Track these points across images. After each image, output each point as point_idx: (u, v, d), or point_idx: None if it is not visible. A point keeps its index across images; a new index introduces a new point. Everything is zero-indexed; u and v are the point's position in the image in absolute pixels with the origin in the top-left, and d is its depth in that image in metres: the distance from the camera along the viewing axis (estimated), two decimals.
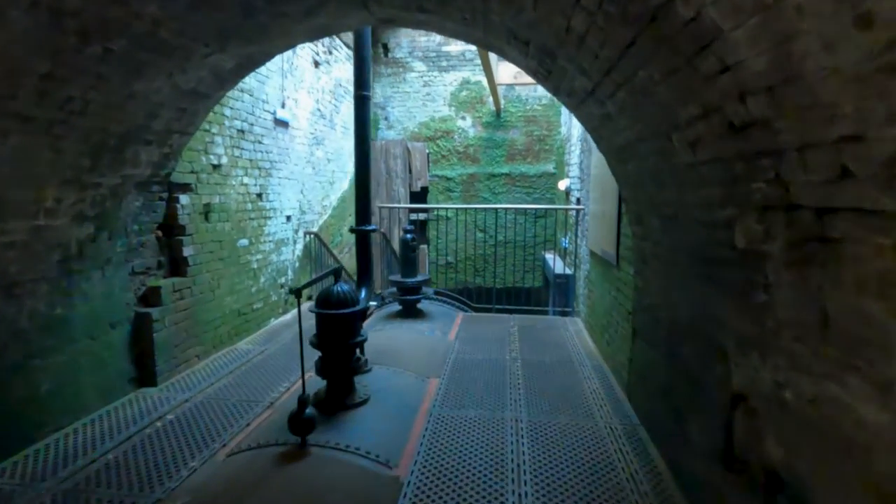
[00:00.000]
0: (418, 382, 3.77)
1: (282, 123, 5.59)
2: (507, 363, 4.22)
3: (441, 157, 9.63)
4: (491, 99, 9.33)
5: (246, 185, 4.93)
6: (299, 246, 6.31)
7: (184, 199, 4.00)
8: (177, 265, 4.05)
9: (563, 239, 7.72)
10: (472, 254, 9.74)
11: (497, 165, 9.47)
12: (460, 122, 9.62)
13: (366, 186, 4.08)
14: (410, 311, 5.54)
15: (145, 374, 3.70)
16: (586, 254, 5.53)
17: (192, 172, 4.10)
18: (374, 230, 4.10)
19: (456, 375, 3.94)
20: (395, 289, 5.55)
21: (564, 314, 6.12)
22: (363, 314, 3.62)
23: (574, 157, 6.88)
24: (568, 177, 7.64)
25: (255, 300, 5.19)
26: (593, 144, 5.13)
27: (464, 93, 9.53)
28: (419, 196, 10.08)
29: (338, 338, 3.12)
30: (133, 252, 3.65)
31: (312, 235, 6.55)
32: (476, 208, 8.57)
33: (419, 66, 9.55)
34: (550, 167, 9.35)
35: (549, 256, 8.81)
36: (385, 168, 9.62)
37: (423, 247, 9.69)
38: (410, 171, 9.60)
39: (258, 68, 4.15)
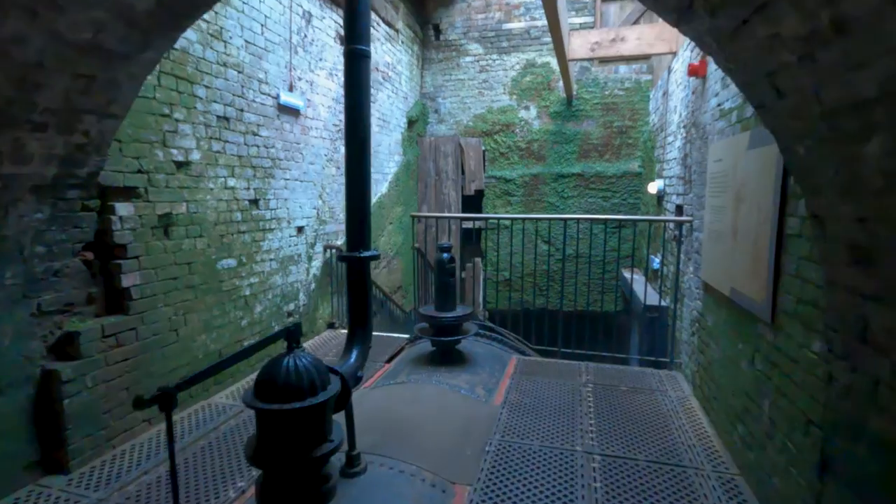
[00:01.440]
0: (434, 498, 2.39)
1: (289, 111, 4.44)
2: (577, 462, 2.73)
3: (499, 154, 8.19)
4: (560, 83, 7.75)
5: (233, 188, 3.81)
6: (316, 263, 5.15)
7: (123, 208, 2.90)
8: (116, 299, 2.96)
9: (654, 257, 6.00)
10: (534, 269, 8.18)
11: (567, 164, 7.87)
12: (523, 113, 8.12)
13: (361, 190, 2.76)
14: (446, 356, 4.17)
15: (51, 457, 2.62)
16: (696, 285, 3.87)
17: (139, 172, 3.00)
18: (374, 257, 2.76)
19: (496, 484, 2.51)
20: (425, 324, 4.20)
21: (657, 365, 4.46)
22: (345, 397, 2.30)
23: (673, 150, 5.18)
24: (661, 177, 5.92)
25: (247, 336, 4.06)
26: (711, 131, 3.49)
27: (527, 78, 8.03)
28: (473, 201, 8.70)
29: (287, 449, 1.82)
30: (38, 284, 2.58)
31: (335, 250, 5.37)
32: (540, 219, 7.03)
33: (475, 48, 8.18)
34: (634, 166, 7.60)
35: (631, 277, 7.07)
36: (434, 168, 8.34)
37: (477, 260, 8.30)
38: (463, 172, 8.25)
39: (205, 14, 2.97)
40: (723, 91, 3.38)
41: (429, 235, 8.46)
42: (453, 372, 3.97)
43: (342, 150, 5.56)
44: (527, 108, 8.10)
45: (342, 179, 5.63)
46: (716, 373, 3.21)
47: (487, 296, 8.55)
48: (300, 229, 4.79)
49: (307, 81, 4.72)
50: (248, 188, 3.97)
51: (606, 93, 7.70)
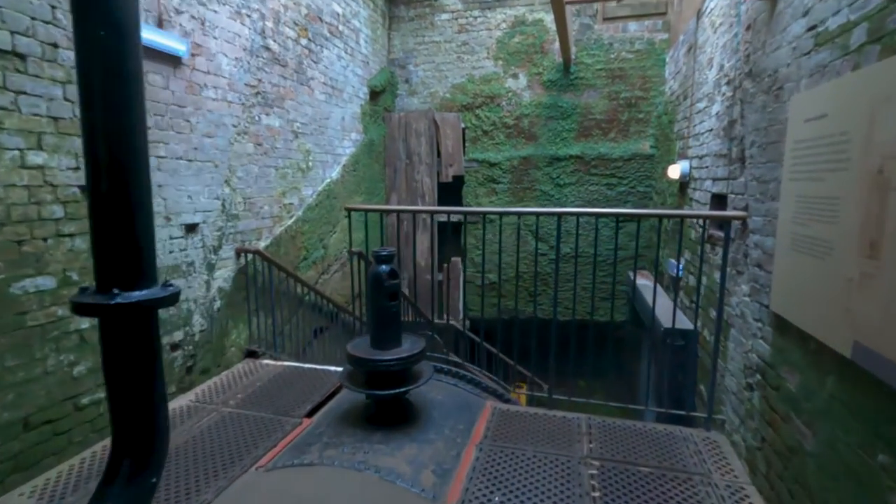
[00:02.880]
0: None
1: (159, 57, 3.05)
2: None
3: (482, 133, 6.81)
4: (556, 45, 6.36)
5: (41, 167, 2.44)
6: (224, 273, 3.79)
7: None
8: None
9: (673, 262, 4.68)
10: (525, 271, 6.87)
11: (563, 144, 6.51)
12: (510, 83, 6.72)
13: (126, 170, 1.35)
14: (387, 414, 2.85)
15: None
16: (756, 316, 2.54)
17: None
18: (157, 302, 1.39)
19: None
20: (355, 369, 2.86)
21: (687, 421, 3.14)
22: None
23: (706, 120, 3.82)
24: (684, 158, 4.56)
25: (89, 388, 2.71)
26: (793, 74, 2.11)
27: (516, 39, 6.61)
28: (451, 189, 7.33)
29: None
30: None
31: (253, 255, 4.02)
32: (530, 213, 5.69)
33: (453, 3, 6.75)
34: (646, 146, 6.24)
35: (643, 283, 5.75)
36: (404, 149, 6.95)
37: (456, 260, 6.95)
38: (439, 155, 6.88)
39: None
40: (820, 2, 2.02)
41: (403, 230, 7.11)
42: (393, 441, 2.64)
43: (265, 120, 4.18)
44: (515, 76, 6.70)
45: (267, 162, 4.26)
46: (811, 474, 1.89)
47: (469, 302, 7.22)
48: (191, 228, 3.43)
49: (195, 18, 3.32)
50: (78, 168, 2.60)
51: (612, 56, 6.30)
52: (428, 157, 6.89)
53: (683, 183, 4.49)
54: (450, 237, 7.91)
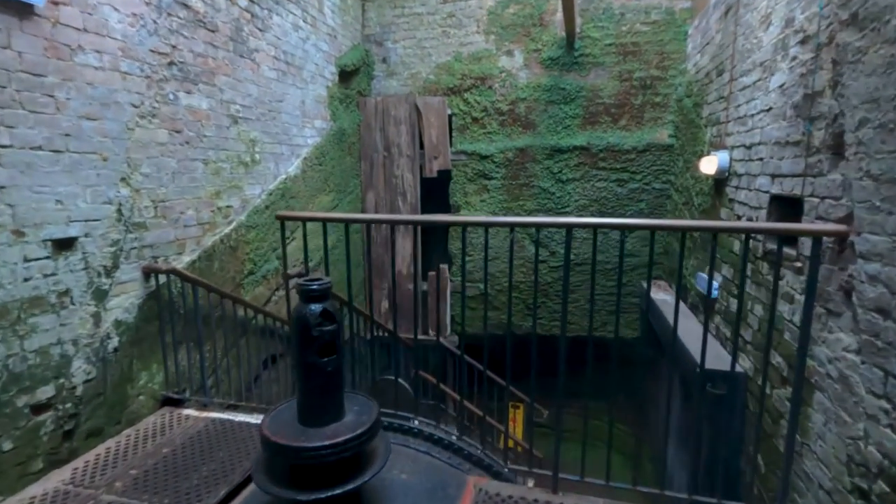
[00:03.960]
0: None
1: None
2: None
3: (472, 120, 5.87)
4: (558, 16, 5.41)
5: None
6: (125, 300, 2.86)
7: None
8: None
9: (703, 276, 3.79)
10: (522, 280, 5.97)
11: (566, 133, 5.58)
12: (504, 61, 5.78)
13: None
14: None
15: None
16: (879, 388, 1.63)
17: None
18: None
19: None
20: (272, 456, 1.94)
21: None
22: None
23: (763, 98, 2.89)
24: (723, 148, 3.65)
25: None
26: None
27: (511, 10, 5.66)
28: (437, 185, 6.41)
29: None
30: None
31: (168, 274, 3.08)
32: (527, 223, 4.82)
33: None
34: (663, 135, 5.31)
35: (661, 297, 4.85)
36: (382, 140, 6.01)
37: (443, 267, 6.05)
38: (422, 146, 5.94)
39: None
40: None
41: (379, 236, 6.20)
42: None
43: (186, 100, 3.23)
44: (510, 53, 5.75)
45: (190, 152, 3.32)
46: None
47: (456, 316, 6.32)
48: (63, 244, 2.49)
49: None
50: None
51: (624, 29, 5.36)
52: (409, 149, 5.95)
53: (720, 180, 3.57)
54: (436, 242, 6.99)
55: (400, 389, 2.77)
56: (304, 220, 2.65)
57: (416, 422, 2.81)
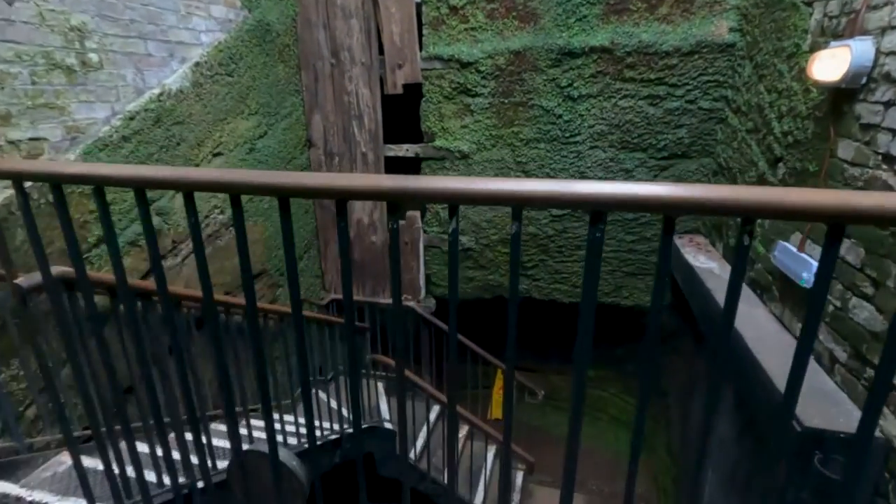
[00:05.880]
0: None
1: None
2: None
3: (449, 10, 4.20)
4: None
5: None
6: None
7: None
8: None
9: (790, 248, 2.44)
10: (516, 230, 4.62)
11: (580, 29, 3.96)
12: None
13: None
14: None
15: None
16: None
17: None
18: None
19: None
20: None
21: None
22: None
23: None
24: (861, 34, 2.11)
25: None
26: None
27: None
28: (404, 105, 4.92)
29: None
30: None
31: None
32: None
33: None
34: (723, 28, 3.69)
35: (701, 263, 3.54)
36: (327, 42, 4.41)
37: (414, 215, 4.72)
38: (382, 51, 4.34)
39: None
40: None
41: (319, 163, 4.75)
42: None
43: None
44: None
45: None
46: None
47: (434, 275, 5.05)
48: None
49: None
50: None
51: None
52: (364, 55, 4.35)
53: (845, 91, 2.11)
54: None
55: (283, 476, 1.51)
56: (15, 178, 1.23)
57: None
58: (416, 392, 3.81)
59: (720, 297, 2.88)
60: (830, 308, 2.08)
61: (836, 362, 2.03)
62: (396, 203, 0.94)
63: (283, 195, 0.97)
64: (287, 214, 1.00)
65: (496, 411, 6.32)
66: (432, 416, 4.60)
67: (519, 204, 0.88)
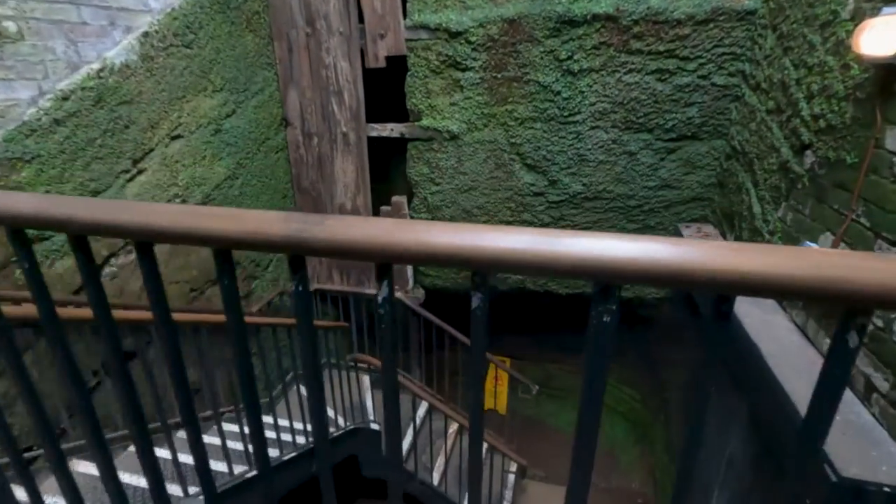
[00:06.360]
0: None
1: None
2: None
3: None
4: None
5: None
6: None
7: None
8: None
9: (815, 248, 2.08)
10: (510, 218, 4.31)
11: None
12: None
13: None
14: None
15: None
16: None
17: None
18: None
19: None
20: None
21: None
22: None
23: None
24: None
25: None
26: None
27: None
28: (386, 79, 4.53)
29: None
30: None
31: None
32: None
33: None
34: None
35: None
36: (302, 10, 3.98)
37: (400, 200, 4.39)
38: (362, 20, 3.91)
39: None
40: None
41: (309, 155, 4.46)
42: None
43: None
44: None
45: None
46: None
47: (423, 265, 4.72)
48: None
49: None
50: None
51: None
52: (342, 23, 3.92)
53: None
54: (391, 164, 5.21)
55: None
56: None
57: None
58: (403, 388, 3.56)
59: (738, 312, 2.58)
60: (870, 328, 1.79)
61: (873, 390, 1.75)
62: (298, 256, 0.62)
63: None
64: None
65: (488, 402, 6.13)
66: (420, 412, 4.37)
67: (482, 268, 0.56)
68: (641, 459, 5.28)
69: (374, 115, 4.28)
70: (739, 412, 2.54)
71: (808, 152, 2.38)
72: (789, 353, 2.12)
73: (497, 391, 6.12)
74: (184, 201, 3.29)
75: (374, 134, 4.26)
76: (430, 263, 0.56)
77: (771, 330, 2.32)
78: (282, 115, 4.26)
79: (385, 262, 0.58)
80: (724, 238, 3.51)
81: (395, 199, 4.38)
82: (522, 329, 6.16)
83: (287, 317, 4.50)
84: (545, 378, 6.13)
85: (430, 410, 3.87)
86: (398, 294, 4.67)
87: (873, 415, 1.74)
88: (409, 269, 4.65)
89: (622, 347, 5.83)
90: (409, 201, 4.45)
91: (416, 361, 5.10)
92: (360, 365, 3.88)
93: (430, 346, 4.74)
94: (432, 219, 4.44)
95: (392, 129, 4.23)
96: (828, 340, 2.03)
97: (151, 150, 3.02)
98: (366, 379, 4.60)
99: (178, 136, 3.22)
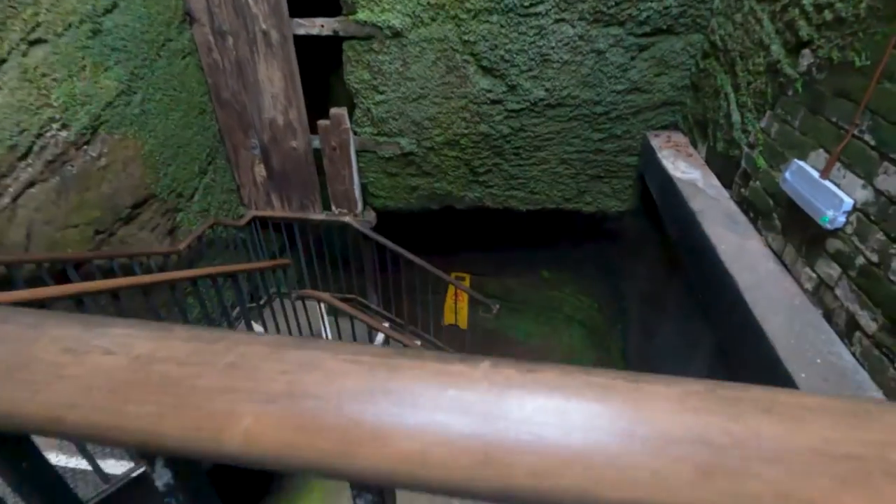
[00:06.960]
0: None
1: None
2: None
3: None
4: None
5: None
6: None
7: None
8: None
9: (804, 166, 1.88)
10: (465, 130, 3.87)
11: None
12: None
13: None
14: None
15: None
16: None
17: None
18: None
19: None
20: None
21: None
22: None
23: None
24: None
25: None
26: None
27: None
28: None
29: None
30: None
31: None
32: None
33: None
34: None
35: (681, 172, 2.99)
36: None
37: (340, 112, 3.87)
38: None
39: None
40: None
41: (225, 60, 3.80)
42: None
43: None
44: None
45: None
46: None
47: (371, 184, 4.33)
48: None
49: None
50: None
51: None
52: None
53: None
54: (325, 69, 4.52)
55: None
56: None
57: None
58: (356, 315, 3.35)
59: (707, 223, 2.38)
60: (861, 260, 1.61)
61: (857, 329, 1.62)
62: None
63: None
64: None
65: (449, 317, 6.11)
66: (378, 341, 4.23)
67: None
68: (598, 365, 5.48)
69: (299, 9, 3.55)
70: (704, 341, 2.47)
71: (806, 51, 2.05)
72: (766, 285, 1.97)
73: (458, 307, 6.07)
74: (65, 126, 2.67)
75: (301, 32, 3.57)
76: None
77: (746, 257, 2.16)
78: (183, 9, 3.47)
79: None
80: (696, 149, 3.24)
81: (333, 111, 3.81)
82: (482, 245, 5.98)
83: (223, 251, 4.08)
84: (505, 292, 6.10)
85: (387, 340, 3.72)
86: (347, 218, 4.29)
87: (854, 354, 1.63)
88: (357, 191, 4.22)
89: (581, 259, 5.79)
90: (351, 114, 3.90)
91: (373, 286, 4.88)
92: (307, 301, 3.60)
93: (384, 267, 4.49)
94: (378, 133, 3.94)
95: (323, 26, 3.54)
96: (807, 269, 1.86)
97: (3, 60, 2.34)
98: (322, 306, 4.36)
99: (38, 41, 2.51)
